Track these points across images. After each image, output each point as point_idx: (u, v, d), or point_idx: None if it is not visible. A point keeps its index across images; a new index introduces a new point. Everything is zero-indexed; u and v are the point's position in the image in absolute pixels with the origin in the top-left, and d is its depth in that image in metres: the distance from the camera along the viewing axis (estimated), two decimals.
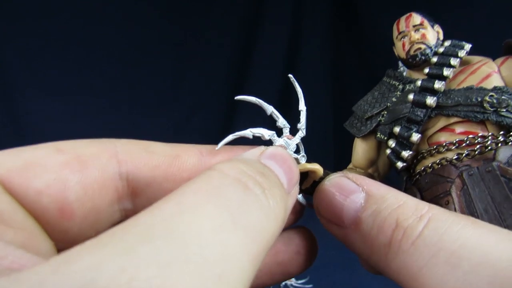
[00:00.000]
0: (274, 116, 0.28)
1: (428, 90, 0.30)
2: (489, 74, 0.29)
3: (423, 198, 0.30)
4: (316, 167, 0.28)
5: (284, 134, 0.28)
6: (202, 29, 1.09)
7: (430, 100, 0.29)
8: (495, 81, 0.29)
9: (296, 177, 0.24)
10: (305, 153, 0.29)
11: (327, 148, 1.11)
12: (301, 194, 0.29)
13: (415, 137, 0.29)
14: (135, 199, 0.25)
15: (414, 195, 0.29)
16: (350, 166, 0.35)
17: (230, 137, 0.26)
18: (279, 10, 1.10)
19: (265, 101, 0.28)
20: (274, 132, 0.28)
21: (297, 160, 0.29)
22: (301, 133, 0.28)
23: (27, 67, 0.97)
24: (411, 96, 0.30)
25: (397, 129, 0.30)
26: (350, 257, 0.74)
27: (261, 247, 0.17)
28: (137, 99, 1.06)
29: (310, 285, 0.70)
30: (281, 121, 0.28)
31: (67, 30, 0.99)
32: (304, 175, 0.29)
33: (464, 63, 0.31)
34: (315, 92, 1.09)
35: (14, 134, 0.97)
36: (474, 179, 0.27)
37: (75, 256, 0.13)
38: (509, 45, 0.31)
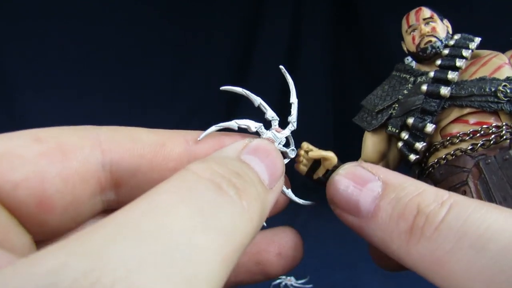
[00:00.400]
0: (262, 108, 0.27)
1: (441, 81, 0.29)
2: (501, 65, 0.29)
3: None
4: (331, 155, 0.28)
5: (272, 127, 0.27)
6: (202, 29, 1.09)
7: (444, 90, 0.29)
8: (507, 72, 0.29)
9: (280, 171, 0.23)
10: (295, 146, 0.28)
11: (327, 147, 1.11)
12: (288, 189, 0.28)
13: (430, 127, 0.29)
14: (118, 189, 0.24)
15: None
16: (360, 160, 0.34)
17: (213, 128, 0.26)
18: (279, 10, 1.10)
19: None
20: (261, 124, 0.27)
21: (285, 154, 0.28)
22: (292, 126, 0.28)
23: (27, 67, 0.97)
24: (424, 87, 0.30)
25: (410, 120, 0.30)
26: (350, 257, 0.74)
27: (234, 248, 0.17)
28: (137, 99, 1.06)
29: (310, 285, 0.70)
30: (269, 113, 0.27)
31: (67, 30, 0.99)
32: (317, 164, 0.28)
33: (474, 56, 0.31)
34: (315, 92, 1.09)
35: None
36: (492, 167, 0.27)
37: (39, 258, 0.13)
38: None
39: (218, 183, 0.18)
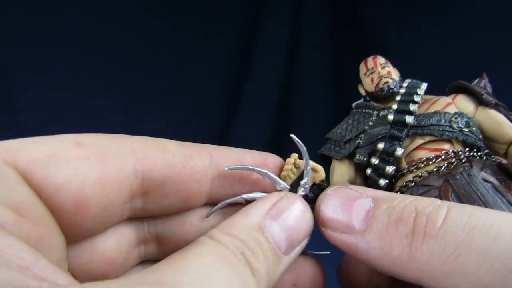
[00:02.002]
0: (271, 180, 0.27)
1: (404, 112, 0.33)
2: (449, 103, 0.34)
3: None
4: (320, 167, 0.29)
5: None
6: (202, 29, 1.09)
7: (409, 119, 0.32)
8: (454, 108, 0.34)
9: (302, 236, 0.24)
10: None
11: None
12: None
13: (400, 151, 0.32)
14: (146, 197, 0.24)
15: None
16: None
17: (219, 206, 0.27)
18: (279, 10, 1.10)
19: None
20: (271, 193, 0.27)
21: None
22: (303, 191, 0.28)
23: (27, 67, 0.97)
24: (391, 116, 0.33)
25: (381, 146, 0.33)
26: None
27: None
28: (137, 99, 1.06)
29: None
30: (278, 184, 0.28)
31: (67, 30, 0.99)
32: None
33: (423, 101, 0.35)
34: (315, 92, 1.09)
35: (14, 135, 0.97)
36: (460, 182, 0.29)
37: None
38: (455, 86, 0.36)
39: (240, 259, 0.20)
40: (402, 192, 0.32)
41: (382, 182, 0.32)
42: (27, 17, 0.96)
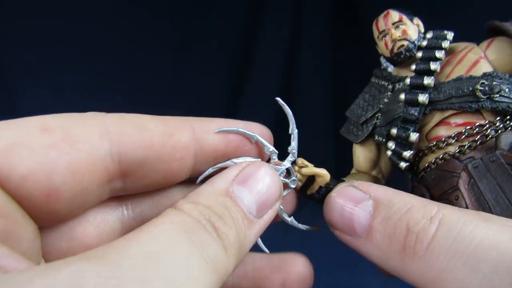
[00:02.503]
0: (260, 144, 0.27)
1: (418, 87, 0.29)
2: (476, 60, 0.29)
3: (431, 195, 0.29)
4: (323, 172, 0.28)
5: (271, 161, 0.28)
6: (202, 29, 1.09)
7: (422, 98, 0.29)
8: (484, 67, 0.29)
9: (272, 199, 0.24)
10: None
11: (328, 148, 1.11)
12: (290, 217, 0.29)
13: (413, 136, 0.29)
14: (125, 179, 0.24)
15: (422, 194, 0.29)
16: (353, 171, 0.35)
17: (210, 170, 0.26)
18: (279, 10, 1.10)
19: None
20: (259, 159, 0.27)
21: (286, 184, 0.28)
22: (292, 157, 0.28)
23: (27, 67, 0.97)
24: (402, 96, 0.30)
25: (394, 131, 0.30)
26: (350, 257, 0.74)
27: (217, 279, 0.19)
28: (137, 99, 1.06)
29: None
30: (267, 148, 0.27)
31: (67, 30, 0.99)
32: (311, 180, 0.29)
33: (449, 52, 0.31)
34: (315, 92, 1.09)
35: None
36: (480, 170, 0.26)
37: (61, 265, 0.15)
38: (493, 27, 0.30)
39: (204, 225, 0.20)
40: (426, 173, 0.30)
41: (403, 165, 0.30)
42: (27, 17, 0.96)
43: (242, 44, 1.11)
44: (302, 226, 0.29)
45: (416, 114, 0.29)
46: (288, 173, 0.28)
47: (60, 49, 0.99)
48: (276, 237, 0.90)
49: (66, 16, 0.98)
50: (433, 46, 0.30)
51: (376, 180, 0.34)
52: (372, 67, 0.37)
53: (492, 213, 0.25)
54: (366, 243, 0.24)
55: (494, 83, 0.27)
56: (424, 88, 0.29)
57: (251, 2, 1.09)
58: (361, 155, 0.33)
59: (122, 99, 1.04)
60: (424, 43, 0.31)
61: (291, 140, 0.28)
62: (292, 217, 0.29)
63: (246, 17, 1.11)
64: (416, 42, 0.31)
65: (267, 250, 0.28)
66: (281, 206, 0.28)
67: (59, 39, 0.99)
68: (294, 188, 0.29)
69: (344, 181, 0.29)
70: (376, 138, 0.32)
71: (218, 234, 0.20)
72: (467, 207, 0.26)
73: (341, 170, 0.34)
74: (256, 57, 1.11)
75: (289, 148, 0.28)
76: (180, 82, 1.10)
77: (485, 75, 0.28)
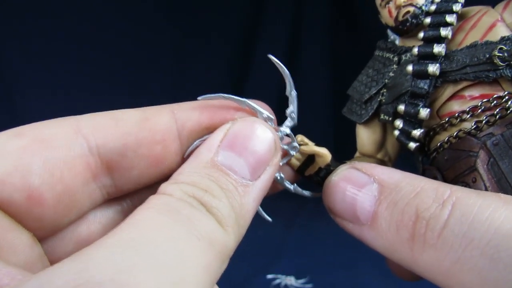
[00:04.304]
0: (252, 109, 0.24)
1: (427, 56, 0.26)
2: (493, 24, 0.25)
3: (445, 178, 0.26)
4: (324, 152, 0.26)
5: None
6: (202, 28, 1.09)
7: (433, 68, 0.25)
8: (501, 31, 0.25)
9: (266, 157, 0.22)
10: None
11: (328, 148, 1.11)
12: (294, 184, 0.26)
13: (424, 112, 0.26)
14: (113, 173, 0.23)
15: (435, 177, 0.26)
16: (357, 154, 0.32)
17: (197, 142, 0.24)
18: (279, 9, 1.10)
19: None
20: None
21: (286, 152, 0.26)
22: (290, 121, 0.25)
23: (27, 67, 0.97)
24: (410, 67, 0.26)
25: (401, 107, 0.27)
26: (350, 257, 0.74)
27: (215, 256, 0.18)
28: (137, 99, 1.05)
29: (310, 285, 0.70)
30: (260, 114, 0.24)
31: (67, 30, 0.99)
32: (311, 160, 0.27)
33: (461, 17, 0.27)
34: (315, 91, 1.08)
35: None
36: (501, 148, 0.23)
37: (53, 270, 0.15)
38: None
39: (190, 203, 0.19)
40: (438, 154, 0.27)
41: (413, 145, 0.27)
42: (27, 17, 0.96)
43: (242, 44, 1.11)
44: (306, 193, 0.27)
45: (425, 87, 0.26)
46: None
47: (60, 49, 0.99)
48: (276, 237, 0.90)
49: (66, 16, 0.98)
50: (443, 10, 0.27)
51: (382, 164, 0.30)
52: None
53: None
54: (370, 232, 0.22)
55: None
56: (434, 58, 0.26)
57: (251, 2, 1.09)
58: (365, 136, 0.30)
59: (122, 98, 1.04)
60: (433, 7, 0.27)
61: (289, 103, 0.25)
62: (295, 184, 0.26)
63: (246, 17, 1.11)
64: (423, 7, 0.28)
65: (269, 219, 0.26)
66: (282, 175, 0.26)
67: (59, 39, 0.99)
68: (291, 167, 0.26)
69: (346, 163, 0.26)
70: (382, 117, 0.29)
71: (208, 209, 0.19)
72: (486, 190, 0.23)
73: (341, 157, 0.30)
74: (256, 57, 1.11)
75: (287, 111, 0.25)
76: (180, 82, 1.10)
77: (503, 40, 0.25)
